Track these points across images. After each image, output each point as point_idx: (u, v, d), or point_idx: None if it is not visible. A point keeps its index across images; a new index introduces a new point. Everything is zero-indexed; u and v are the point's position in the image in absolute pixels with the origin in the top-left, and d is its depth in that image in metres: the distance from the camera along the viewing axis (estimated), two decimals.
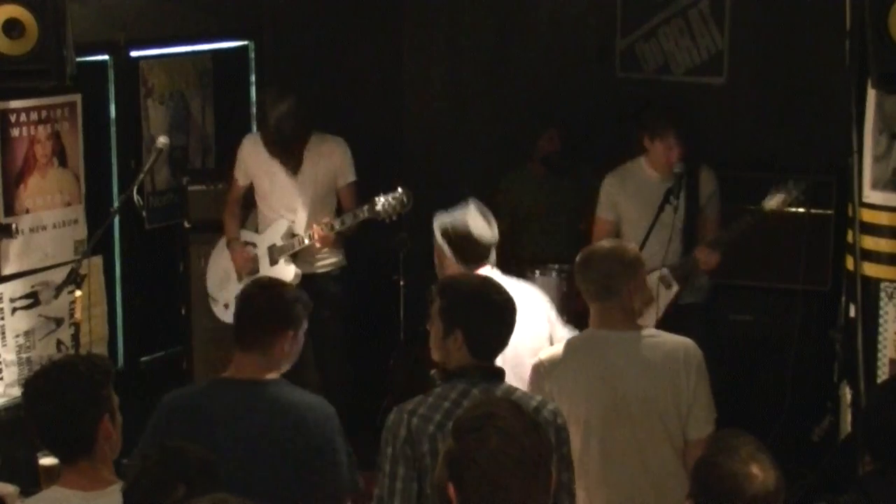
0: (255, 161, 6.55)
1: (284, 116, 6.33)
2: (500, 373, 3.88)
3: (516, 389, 3.90)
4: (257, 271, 6.48)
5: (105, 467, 3.48)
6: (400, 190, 6.21)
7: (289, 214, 6.52)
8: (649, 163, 6.28)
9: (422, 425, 3.69)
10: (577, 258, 4.44)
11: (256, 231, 6.67)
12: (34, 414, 3.47)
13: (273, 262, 6.52)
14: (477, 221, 4.84)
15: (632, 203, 6.27)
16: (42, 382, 3.47)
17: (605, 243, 4.46)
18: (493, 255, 4.88)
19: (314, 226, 6.34)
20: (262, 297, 4.17)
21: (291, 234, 6.51)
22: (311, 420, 4.03)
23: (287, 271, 6.42)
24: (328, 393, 6.67)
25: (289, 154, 6.43)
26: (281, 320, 4.12)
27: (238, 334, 4.15)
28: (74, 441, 3.44)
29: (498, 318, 3.88)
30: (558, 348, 4.37)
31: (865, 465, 3.99)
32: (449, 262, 4.85)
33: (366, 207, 6.24)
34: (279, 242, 6.51)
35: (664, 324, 6.08)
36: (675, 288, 6.15)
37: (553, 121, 7.46)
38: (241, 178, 6.63)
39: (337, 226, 6.31)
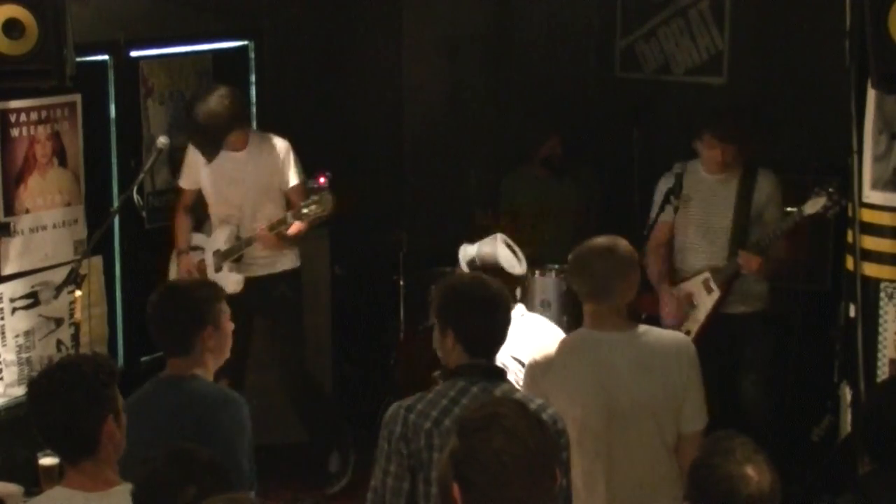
0: (200, 164, 6.43)
1: (202, 106, 6.19)
2: (500, 371, 3.89)
3: (517, 390, 3.90)
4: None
5: (108, 468, 3.47)
6: (316, 197, 6.09)
7: (233, 217, 6.42)
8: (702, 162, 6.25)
9: (419, 421, 3.71)
10: (571, 256, 4.42)
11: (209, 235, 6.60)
12: (38, 414, 3.46)
13: (217, 268, 6.41)
14: (505, 252, 4.86)
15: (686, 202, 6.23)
16: (46, 382, 3.47)
17: (600, 241, 4.43)
18: (518, 292, 4.87)
19: (259, 227, 6.26)
20: (168, 305, 4.21)
21: (236, 238, 6.41)
22: (209, 417, 4.03)
23: (229, 279, 6.31)
24: (294, 394, 6.71)
25: (207, 145, 6.26)
26: (195, 321, 4.15)
27: (156, 342, 4.22)
28: (78, 441, 3.43)
29: (486, 314, 3.85)
30: (553, 348, 4.37)
31: (864, 465, 3.98)
32: None
33: (290, 213, 6.17)
34: (223, 247, 6.41)
35: (718, 337, 6.08)
36: (717, 293, 6.12)
37: (554, 126, 7.46)
38: (185, 183, 6.55)
39: (277, 226, 6.20)
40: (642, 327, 4.38)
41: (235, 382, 5.97)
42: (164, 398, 4.11)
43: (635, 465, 4.26)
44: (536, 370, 4.30)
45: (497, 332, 3.89)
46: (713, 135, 6.10)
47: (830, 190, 5.77)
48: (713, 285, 6.12)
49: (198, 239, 6.59)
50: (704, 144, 6.14)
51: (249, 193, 6.41)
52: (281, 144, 6.42)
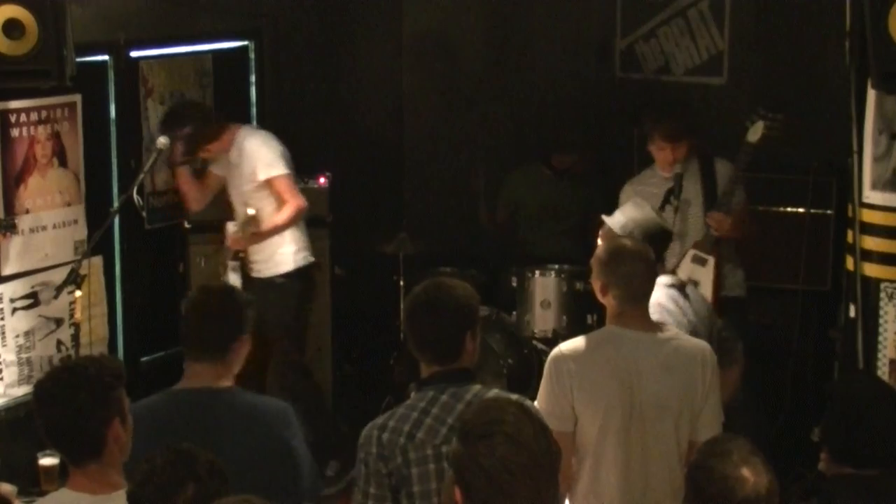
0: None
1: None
2: (467, 375, 3.81)
3: (489, 389, 3.85)
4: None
5: (114, 470, 3.46)
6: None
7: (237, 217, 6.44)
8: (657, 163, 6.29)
9: (393, 439, 3.69)
10: (604, 253, 4.41)
11: None
12: (43, 416, 3.45)
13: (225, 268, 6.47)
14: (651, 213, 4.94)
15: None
16: (51, 384, 3.45)
17: (630, 242, 4.48)
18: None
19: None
20: (214, 304, 4.10)
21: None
22: (269, 426, 3.98)
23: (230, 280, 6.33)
24: (292, 399, 6.66)
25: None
26: (236, 326, 4.06)
27: (192, 344, 4.06)
28: (84, 443, 3.42)
29: (427, 319, 3.77)
30: (580, 342, 4.35)
31: (826, 463, 3.96)
32: None
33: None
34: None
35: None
36: (711, 259, 6.10)
37: (582, 144, 7.42)
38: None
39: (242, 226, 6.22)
40: (670, 331, 4.40)
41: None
42: (215, 413, 3.96)
43: (649, 465, 4.27)
44: (562, 363, 4.28)
45: (440, 337, 3.77)
46: (662, 136, 6.14)
47: (761, 111, 5.84)
48: (703, 255, 6.10)
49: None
50: (655, 147, 6.17)
51: (234, 193, 6.45)
52: (250, 141, 6.40)
